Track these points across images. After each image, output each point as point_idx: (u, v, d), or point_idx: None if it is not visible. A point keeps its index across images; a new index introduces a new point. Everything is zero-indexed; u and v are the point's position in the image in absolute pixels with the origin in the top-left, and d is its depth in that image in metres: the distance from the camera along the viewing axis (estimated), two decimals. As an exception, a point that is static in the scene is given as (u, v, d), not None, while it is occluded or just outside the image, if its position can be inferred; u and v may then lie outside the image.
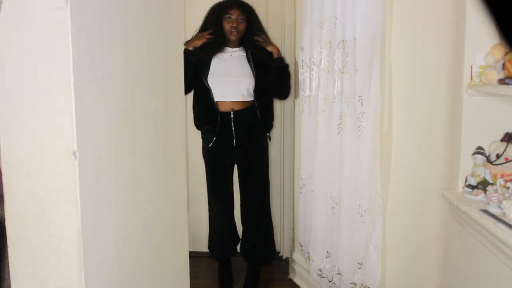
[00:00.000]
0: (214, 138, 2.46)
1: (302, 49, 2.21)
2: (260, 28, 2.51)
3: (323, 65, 2.09)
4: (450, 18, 1.76)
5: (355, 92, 1.91)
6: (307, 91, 2.22)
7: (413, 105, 1.86)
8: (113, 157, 1.26)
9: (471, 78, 1.67)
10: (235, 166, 2.64)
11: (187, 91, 2.49)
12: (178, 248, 1.83)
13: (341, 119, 2.04)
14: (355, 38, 1.87)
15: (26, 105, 1.07)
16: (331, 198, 2.16)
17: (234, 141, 2.46)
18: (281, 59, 2.50)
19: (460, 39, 1.70)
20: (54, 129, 1.07)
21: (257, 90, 2.46)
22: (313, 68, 2.14)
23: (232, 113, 2.43)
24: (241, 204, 2.64)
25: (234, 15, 2.41)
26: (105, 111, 1.21)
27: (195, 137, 2.75)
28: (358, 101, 1.90)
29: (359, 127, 1.91)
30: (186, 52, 2.35)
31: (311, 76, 2.16)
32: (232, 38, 2.43)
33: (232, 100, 2.44)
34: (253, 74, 2.45)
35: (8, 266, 1.15)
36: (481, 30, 1.62)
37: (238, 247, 2.76)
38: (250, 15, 2.45)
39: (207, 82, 2.42)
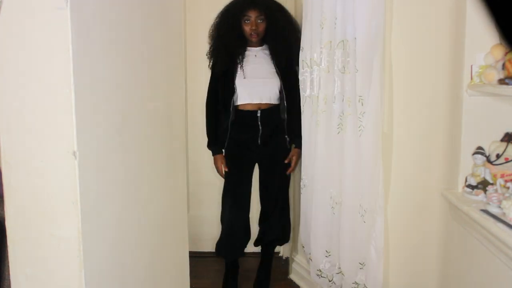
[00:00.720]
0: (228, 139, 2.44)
1: (302, 49, 2.21)
2: (287, 25, 2.42)
3: (323, 65, 2.09)
4: (450, 18, 1.76)
5: (355, 92, 1.91)
6: (308, 91, 2.22)
7: (413, 105, 1.86)
8: (113, 157, 1.26)
9: (471, 78, 1.67)
10: (256, 165, 2.59)
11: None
12: (178, 248, 1.83)
13: (340, 119, 2.04)
14: (355, 38, 1.87)
15: (26, 105, 1.07)
16: (331, 197, 2.16)
17: (259, 140, 2.43)
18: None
19: (460, 39, 1.70)
20: (54, 129, 1.07)
21: (285, 89, 2.40)
22: (314, 68, 2.14)
23: (259, 111, 2.39)
24: (261, 199, 2.61)
25: (252, 16, 2.34)
26: (105, 111, 1.21)
27: (195, 137, 2.75)
28: (359, 101, 1.90)
29: (359, 127, 1.91)
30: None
31: (312, 76, 2.17)
32: (254, 39, 2.39)
33: (259, 103, 2.40)
34: (279, 74, 2.40)
35: (8, 266, 1.15)
36: (481, 30, 1.62)
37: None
38: (269, 12, 2.38)
39: (234, 85, 2.38)
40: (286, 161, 2.48)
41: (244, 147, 2.46)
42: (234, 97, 2.38)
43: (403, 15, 1.81)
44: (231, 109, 2.38)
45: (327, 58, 2.07)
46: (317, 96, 2.15)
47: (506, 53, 1.57)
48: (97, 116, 1.17)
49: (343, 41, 1.96)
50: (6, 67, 1.06)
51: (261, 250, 2.71)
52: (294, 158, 2.49)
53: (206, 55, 2.45)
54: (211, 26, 2.45)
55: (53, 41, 1.03)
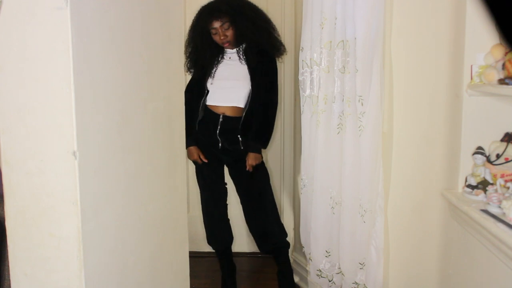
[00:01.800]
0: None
1: (302, 49, 2.20)
2: (257, 20, 2.38)
3: (323, 65, 2.09)
4: (450, 18, 1.76)
5: (355, 92, 1.91)
6: (308, 91, 2.22)
7: (413, 105, 1.86)
8: (113, 157, 1.26)
9: (471, 78, 1.67)
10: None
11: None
12: (178, 248, 1.83)
13: (340, 119, 2.04)
14: (355, 38, 1.87)
15: (26, 105, 1.07)
16: (331, 197, 2.16)
17: (220, 145, 2.42)
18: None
19: (460, 39, 1.70)
20: (54, 129, 1.07)
21: (253, 91, 2.37)
22: (314, 68, 2.14)
23: (221, 116, 2.38)
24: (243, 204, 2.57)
25: (217, 27, 2.32)
26: (105, 111, 1.21)
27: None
28: (359, 101, 1.90)
29: (359, 127, 1.91)
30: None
31: (312, 76, 2.16)
32: (227, 47, 2.39)
33: (225, 105, 2.39)
34: (250, 75, 2.39)
35: (8, 266, 1.15)
36: (481, 30, 1.62)
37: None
38: (232, 15, 2.32)
39: (206, 89, 2.40)
40: (247, 169, 2.39)
41: (209, 149, 2.46)
42: (207, 98, 2.41)
43: (403, 15, 1.81)
44: (199, 109, 2.39)
45: (327, 58, 2.07)
46: (317, 96, 2.15)
47: (506, 53, 1.57)
48: (97, 116, 1.17)
49: (343, 41, 1.96)
50: (6, 67, 1.07)
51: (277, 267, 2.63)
52: (248, 161, 2.38)
53: (184, 67, 2.40)
54: (185, 42, 2.41)
55: (53, 41, 1.03)
